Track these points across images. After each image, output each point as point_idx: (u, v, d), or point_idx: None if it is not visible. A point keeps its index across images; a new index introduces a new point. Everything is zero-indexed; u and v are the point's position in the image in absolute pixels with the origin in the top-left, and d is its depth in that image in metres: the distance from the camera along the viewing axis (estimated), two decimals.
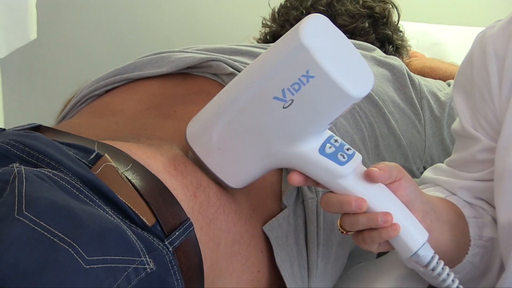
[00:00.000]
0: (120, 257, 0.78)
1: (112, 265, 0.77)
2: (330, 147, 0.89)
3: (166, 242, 0.85)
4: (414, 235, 0.90)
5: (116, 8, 2.27)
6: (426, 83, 1.43)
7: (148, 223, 0.84)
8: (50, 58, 2.33)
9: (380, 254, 1.29)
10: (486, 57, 1.07)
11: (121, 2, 2.28)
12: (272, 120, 0.88)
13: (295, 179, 0.91)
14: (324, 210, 1.02)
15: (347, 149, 0.90)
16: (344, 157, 0.89)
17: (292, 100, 0.85)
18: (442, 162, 1.20)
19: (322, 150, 0.89)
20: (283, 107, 0.85)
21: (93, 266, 0.75)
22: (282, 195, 1.07)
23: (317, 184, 0.92)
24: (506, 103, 1.03)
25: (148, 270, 0.80)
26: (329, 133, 0.92)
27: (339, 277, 1.17)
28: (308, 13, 1.55)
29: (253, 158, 0.93)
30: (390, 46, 1.61)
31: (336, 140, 0.91)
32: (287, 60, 0.84)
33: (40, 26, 1.95)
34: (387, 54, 1.50)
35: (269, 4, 1.67)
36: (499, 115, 1.05)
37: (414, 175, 1.38)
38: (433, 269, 0.91)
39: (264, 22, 1.68)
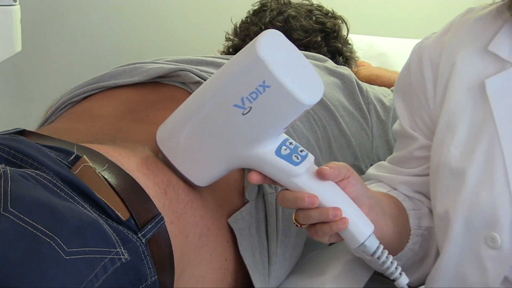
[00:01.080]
0: (98, 249, 0.78)
1: (90, 256, 0.77)
2: (285, 149, 0.90)
3: (140, 235, 0.85)
4: (361, 228, 0.91)
5: (93, 25, 2.25)
6: (373, 90, 1.44)
7: (123, 218, 0.84)
8: (34, 69, 2.31)
9: (331, 243, 1.31)
10: (423, 65, 1.08)
11: (98, 20, 2.27)
12: (233, 125, 0.88)
13: (254, 178, 0.92)
14: (281, 206, 1.02)
15: (301, 151, 0.91)
16: (298, 158, 0.89)
17: (251, 108, 0.85)
18: (391, 155, 1.21)
19: (278, 152, 0.89)
20: (243, 114, 0.86)
21: (73, 257, 0.75)
22: (244, 190, 1.07)
23: (274, 182, 0.92)
24: (440, 105, 1.05)
25: (123, 260, 0.80)
26: (285, 136, 0.92)
27: (296, 264, 1.17)
28: (266, 28, 1.56)
29: (216, 160, 0.93)
30: (340, 57, 1.62)
31: (291, 143, 0.91)
32: (246, 72, 0.84)
33: (24, 39, 1.93)
34: (337, 64, 1.50)
35: (231, 20, 1.67)
36: (433, 116, 1.07)
37: (362, 173, 1.38)
38: (378, 258, 0.92)
39: (227, 36, 1.68)
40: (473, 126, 1.00)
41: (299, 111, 0.87)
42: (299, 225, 0.93)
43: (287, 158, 0.89)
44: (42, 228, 0.74)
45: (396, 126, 1.16)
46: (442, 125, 1.04)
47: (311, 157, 0.91)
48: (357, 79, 1.41)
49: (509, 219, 0.94)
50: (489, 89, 0.99)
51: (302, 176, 0.89)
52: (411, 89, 1.11)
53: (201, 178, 0.96)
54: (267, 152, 0.89)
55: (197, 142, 0.92)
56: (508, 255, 0.94)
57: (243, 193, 1.07)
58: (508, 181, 0.94)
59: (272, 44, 0.85)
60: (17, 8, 1.83)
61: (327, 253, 1.22)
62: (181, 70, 1.15)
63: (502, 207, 0.94)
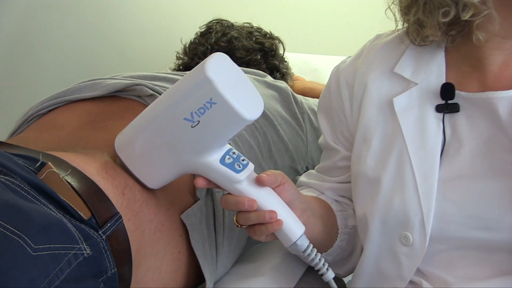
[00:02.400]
0: (62, 245, 0.78)
1: (56, 251, 0.76)
2: (229, 158, 0.90)
3: (100, 232, 0.84)
4: (293, 229, 0.92)
5: (60, 45, 2.23)
6: (307, 101, 1.45)
7: (85, 217, 0.84)
8: (9, 90, 2.28)
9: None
10: (340, 86, 1.09)
11: (63, 41, 2.24)
12: (182, 136, 0.87)
13: (200, 183, 0.92)
14: (224, 208, 1.03)
15: (242, 160, 0.91)
16: (239, 166, 0.90)
17: (199, 121, 0.85)
18: (318, 164, 1.21)
19: (222, 161, 0.89)
20: (192, 126, 0.85)
21: (39, 253, 0.74)
22: (195, 189, 1.07)
23: (218, 187, 0.92)
24: (356, 121, 1.06)
25: (86, 254, 0.80)
26: (229, 146, 0.92)
27: (241, 255, 1.18)
28: (212, 48, 1.57)
29: (167, 166, 0.93)
30: (278, 73, 1.63)
31: (234, 153, 0.91)
32: (195, 89, 0.84)
33: None
34: (275, 79, 1.51)
35: (181, 41, 1.67)
36: (351, 131, 1.08)
37: (299, 173, 1.39)
38: (308, 255, 0.93)
39: (177, 55, 1.67)
40: (384, 139, 1.01)
41: (242, 125, 0.87)
42: (239, 226, 0.94)
43: (230, 166, 0.89)
44: (11, 228, 0.73)
45: (321, 139, 1.18)
46: (358, 139, 1.05)
47: (251, 166, 0.92)
48: (293, 92, 1.42)
49: (418, 220, 0.95)
50: (397, 106, 1.01)
51: (243, 182, 0.90)
52: (331, 107, 1.12)
53: (154, 181, 0.95)
54: (212, 161, 0.89)
55: (150, 150, 0.91)
56: (419, 251, 0.95)
57: (194, 192, 1.07)
58: (416, 186, 0.96)
59: (218, 66, 0.85)
60: None
61: (268, 247, 1.22)
62: (137, 85, 1.14)
63: (412, 210, 0.96)
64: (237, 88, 0.87)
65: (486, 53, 0.96)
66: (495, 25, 0.91)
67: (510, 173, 0.91)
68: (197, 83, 0.84)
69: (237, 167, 0.90)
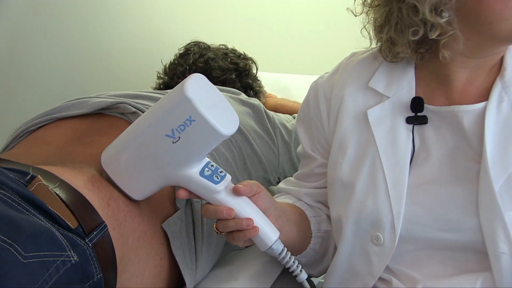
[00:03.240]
0: (51, 253, 0.77)
1: (45, 259, 0.76)
2: (207, 171, 0.90)
3: (87, 240, 0.84)
4: (269, 234, 0.92)
5: (48, 64, 2.20)
6: (278, 117, 1.46)
7: (72, 226, 0.83)
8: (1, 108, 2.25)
9: (246, 246, 1.31)
10: (318, 99, 1.10)
11: (52, 60, 2.21)
12: (164, 151, 0.87)
13: (182, 194, 0.92)
14: (204, 217, 1.02)
15: (220, 172, 0.91)
16: (218, 178, 0.90)
17: (179, 137, 0.85)
18: (291, 175, 1.22)
19: (201, 173, 0.89)
20: (173, 142, 0.85)
21: (29, 260, 0.74)
22: (175, 200, 1.06)
23: (198, 197, 0.92)
24: (333, 131, 1.07)
25: (73, 261, 0.80)
26: (207, 159, 0.92)
27: (219, 260, 1.18)
28: (190, 68, 1.57)
29: (150, 179, 0.93)
30: (251, 91, 1.63)
31: (212, 165, 0.91)
32: (176, 108, 0.84)
33: None
34: (249, 96, 1.51)
35: (161, 62, 1.67)
36: (328, 140, 1.08)
37: (271, 184, 1.40)
38: (283, 258, 0.94)
39: (158, 75, 1.67)
40: (359, 147, 1.02)
41: (219, 140, 0.87)
42: (219, 232, 0.93)
43: (209, 178, 0.89)
44: (2, 237, 0.73)
45: (299, 148, 1.18)
46: (335, 147, 1.05)
47: (228, 177, 0.92)
48: (265, 108, 1.42)
49: (389, 222, 0.95)
50: (371, 117, 1.02)
51: (221, 193, 0.90)
52: (310, 118, 1.12)
53: (138, 193, 0.95)
54: (192, 173, 0.89)
55: (134, 164, 0.91)
56: (388, 250, 0.96)
57: (174, 202, 1.06)
58: (388, 191, 0.96)
59: (197, 86, 0.85)
60: None
61: (245, 253, 1.22)
62: (120, 103, 1.14)
63: (383, 212, 0.96)
64: (214, 106, 0.87)
65: (452, 70, 0.97)
66: (459, 45, 0.92)
67: (473, 179, 0.92)
68: (177, 102, 0.84)
69: (215, 178, 0.90)
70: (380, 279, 0.99)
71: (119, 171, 0.92)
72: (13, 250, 0.73)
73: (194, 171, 0.89)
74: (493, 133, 0.92)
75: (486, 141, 0.92)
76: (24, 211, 0.80)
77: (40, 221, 0.80)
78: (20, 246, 0.73)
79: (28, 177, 0.86)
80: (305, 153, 1.14)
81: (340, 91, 1.06)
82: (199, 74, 0.89)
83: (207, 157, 0.93)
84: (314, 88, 1.13)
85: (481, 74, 0.98)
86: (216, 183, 0.89)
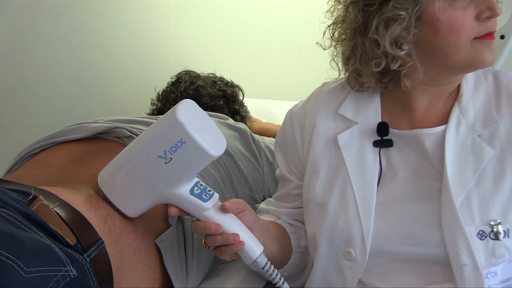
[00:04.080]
0: (51, 268, 0.77)
1: (45, 273, 0.75)
2: (197, 189, 0.90)
3: (85, 255, 0.84)
4: (253, 249, 0.92)
5: (49, 93, 2.21)
6: (263, 140, 1.46)
7: (71, 243, 0.83)
8: (6, 133, 2.24)
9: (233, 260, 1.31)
10: (293, 126, 1.11)
11: (52, 89, 2.22)
12: (157, 171, 0.87)
13: (173, 211, 0.92)
14: (194, 233, 1.02)
15: (209, 191, 0.91)
16: (206, 196, 0.90)
17: (171, 158, 0.85)
18: (275, 193, 1.22)
19: (191, 191, 0.90)
20: (165, 163, 0.85)
21: (31, 275, 0.73)
22: (168, 217, 1.06)
23: (188, 214, 0.92)
24: (307, 155, 1.07)
25: (72, 275, 0.79)
26: (197, 179, 0.92)
27: (208, 273, 1.17)
28: (181, 95, 1.57)
29: (144, 197, 0.92)
30: (238, 116, 1.63)
31: (201, 184, 0.91)
32: (168, 131, 0.85)
33: None
34: (236, 121, 1.52)
35: (155, 89, 1.67)
36: (303, 163, 1.09)
37: (257, 202, 1.39)
38: (266, 271, 0.94)
39: (152, 101, 1.67)
40: (330, 169, 1.03)
41: (208, 161, 0.88)
42: (207, 247, 0.94)
43: (199, 196, 0.90)
44: (5, 253, 0.73)
45: (277, 172, 1.18)
46: (308, 170, 1.06)
47: (216, 195, 0.92)
48: (251, 132, 1.43)
49: (360, 238, 0.96)
50: (341, 141, 1.03)
51: (209, 210, 0.90)
52: (286, 143, 1.13)
53: (132, 211, 0.95)
54: (183, 192, 0.89)
55: (129, 184, 0.91)
56: (360, 264, 0.96)
57: (167, 219, 1.06)
58: (358, 210, 0.97)
59: (187, 110, 0.86)
60: None
61: (232, 265, 1.22)
62: (116, 128, 1.14)
63: (354, 229, 0.96)
64: (203, 129, 0.87)
65: (413, 97, 0.99)
66: (419, 74, 0.94)
67: (435, 197, 0.93)
68: (169, 125, 0.84)
69: (204, 196, 0.90)
70: None
71: (115, 191, 0.92)
72: (16, 266, 0.72)
73: (184, 189, 0.89)
74: (452, 154, 0.94)
75: (447, 162, 0.93)
76: (26, 229, 0.79)
77: (41, 238, 0.80)
78: (22, 262, 0.73)
79: (30, 197, 0.85)
80: (282, 176, 1.15)
81: (313, 118, 1.07)
82: (189, 100, 0.89)
83: (197, 177, 0.93)
84: (289, 116, 1.14)
85: (440, 100, 0.99)
86: (205, 201, 0.90)
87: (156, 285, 1.01)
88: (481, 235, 0.89)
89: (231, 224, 0.91)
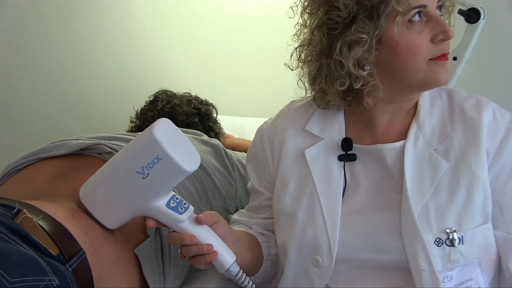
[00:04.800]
0: (35, 277, 0.76)
1: (29, 283, 0.75)
2: (173, 203, 0.89)
3: (67, 265, 0.83)
4: (226, 258, 0.92)
5: (36, 110, 2.19)
6: (235, 155, 1.46)
7: (54, 253, 0.82)
8: None
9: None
10: (263, 141, 1.11)
11: (41, 108, 2.20)
12: (135, 186, 0.87)
13: (151, 223, 0.91)
14: (170, 243, 1.01)
15: (184, 203, 0.91)
16: (182, 209, 0.90)
17: (149, 173, 0.85)
18: (248, 205, 1.21)
19: (168, 205, 0.89)
20: (142, 178, 0.85)
21: (15, 285, 0.72)
22: (146, 228, 1.05)
23: (165, 226, 0.92)
24: (276, 169, 1.08)
25: (54, 285, 0.78)
26: (173, 193, 0.92)
27: (184, 280, 1.17)
28: (159, 113, 1.57)
29: (123, 210, 0.92)
30: (212, 132, 1.64)
31: (177, 198, 0.91)
32: (145, 148, 0.84)
33: None
34: (210, 137, 1.52)
35: (134, 108, 1.66)
36: (273, 176, 1.09)
37: (230, 213, 1.38)
38: (239, 279, 0.93)
39: (131, 119, 1.66)
40: (298, 182, 1.03)
41: (183, 176, 0.87)
42: (183, 257, 0.93)
43: (174, 209, 0.89)
44: None
45: (249, 185, 1.18)
46: (278, 182, 1.06)
47: (191, 208, 0.91)
48: (224, 148, 1.43)
49: (326, 246, 0.96)
50: (308, 156, 1.03)
51: (185, 222, 0.90)
52: (257, 158, 1.13)
53: (112, 223, 0.94)
54: (160, 205, 0.89)
55: (109, 197, 0.90)
56: (327, 271, 0.96)
57: (145, 230, 1.05)
58: (324, 220, 0.97)
59: (163, 129, 0.86)
60: None
61: (207, 273, 1.22)
62: (97, 144, 1.13)
63: (321, 238, 0.96)
64: (179, 146, 0.87)
65: (375, 114, 1.00)
66: (380, 93, 0.95)
67: (396, 207, 0.94)
68: (146, 143, 0.84)
69: (180, 209, 0.89)
70: None
71: (95, 204, 0.91)
72: (0, 277, 0.71)
73: (161, 203, 0.89)
74: (411, 167, 0.95)
75: (406, 174, 0.94)
76: (11, 241, 0.78)
77: (25, 249, 0.79)
78: (6, 272, 0.72)
79: (15, 210, 0.84)
80: (254, 188, 1.15)
81: (282, 134, 1.08)
82: (166, 118, 0.89)
83: (173, 190, 0.92)
84: (260, 132, 1.14)
85: (400, 117, 1.01)
86: (181, 213, 0.89)
87: None
88: (438, 242, 0.90)
89: (205, 235, 0.91)
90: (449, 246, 0.89)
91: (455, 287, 0.90)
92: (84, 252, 0.87)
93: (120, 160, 0.89)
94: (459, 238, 0.90)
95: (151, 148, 0.83)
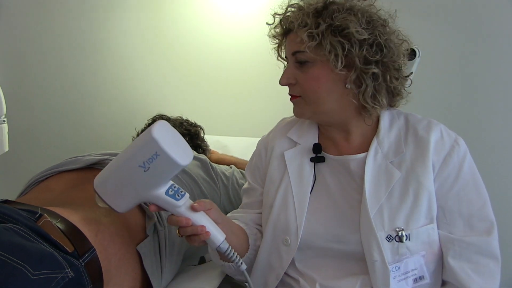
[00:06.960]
0: (53, 270, 0.76)
1: (49, 275, 0.75)
2: (171, 191, 0.87)
3: (80, 260, 0.83)
4: (217, 237, 0.90)
5: (55, 135, 2.17)
6: (219, 167, 1.46)
7: (69, 250, 0.82)
8: (19, 164, 2.17)
9: (201, 262, 1.29)
10: (261, 150, 1.11)
11: (55, 127, 2.18)
12: (138, 178, 0.84)
13: (152, 208, 0.88)
14: (170, 225, 0.99)
15: (181, 191, 0.88)
16: (179, 196, 0.87)
17: (149, 167, 0.82)
18: (230, 209, 1.19)
19: (167, 193, 0.87)
20: (144, 171, 0.83)
21: (37, 277, 0.73)
22: (146, 229, 1.06)
23: (165, 210, 0.89)
24: (267, 169, 1.08)
25: (70, 276, 0.78)
26: (171, 182, 0.89)
27: (179, 272, 1.16)
28: None
29: (129, 197, 0.88)
30: (200, 149, 1.63)
31: (175, 187, 0.88)
32: (145, 146, 0.82)
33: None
34: (198, 153, 1.52)
35: (135, 129, 1.66)
36: (265, 174, 1.09)
37: None
38: (228, 254, 0.91)
39: (133, 138, 1.64)
40: (278, 177, 1.03)
41: (178, 169, 0.85)
42: (180, 236, 0.90)
43: (173, 196, 0.87)
44: (16, 260, 0.72)
45: (245, 186, 1.15)
46: (268, 180, 1.07)
47: (187, 195, 0.89)
48: (210, 162, 1.43)
49: (294, 228, 0.96)
50: (286, 157, 1.04)
51: (181, 207, 0.87)
52: (255, 162, 1.12)
53: (121, 208, 0.88)
54: (160, 193, 0.86)
55: (117, 187, 0.87)
56: (293, 249, 0.96)
57: (145, 230, 1.05)
58: (295, 209, 0.97)
59: (161, 129, 0.83)
60: (5, 126, 1.75)
61: (198, 268, 1.22)
62: (106, 160, 1.14)
63: (291, 222, 0.97)
64: (174, 144, 0.85)
65: (332, 132, 1.03)
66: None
67: (356, 206, 0.94)
68: (146, 141, 0.82)
69: (177, 196, 0.87)
70: (292, 278, 0.99)
71: (107, 192, 0.87)
72: (24, 270, 0.72)
73: (161, 191, 0.86)
74: (370, 175, 0.95)
75: (366, 181, 0.94)
76: (34, 240, 0.79)
77: (45, 247, 0.79)
78: (30, 266, 0.73)
79: (37, 215, 0.85)
80: (251, 186, 1.12)
81: (272, 142, 1.09)
82: (163, 121, 0.87)
83: (171, 180, 0.90)
84: (259, 143, 1.14)
85: (352, 134, 1.01)
86: (178, 200, 0.87)
87: (137, 283, 1.00)
88: (389, 238, 0.90)
89: (199, 218, 0.88)
90: (398, 242, 0.90)
91: (402, 276, 0.91)
92: (94, 250, 0.87)
93: (125, 156, 0.86)
94: (406, 235, 0.90)
95: (150, 146, 0.81)
